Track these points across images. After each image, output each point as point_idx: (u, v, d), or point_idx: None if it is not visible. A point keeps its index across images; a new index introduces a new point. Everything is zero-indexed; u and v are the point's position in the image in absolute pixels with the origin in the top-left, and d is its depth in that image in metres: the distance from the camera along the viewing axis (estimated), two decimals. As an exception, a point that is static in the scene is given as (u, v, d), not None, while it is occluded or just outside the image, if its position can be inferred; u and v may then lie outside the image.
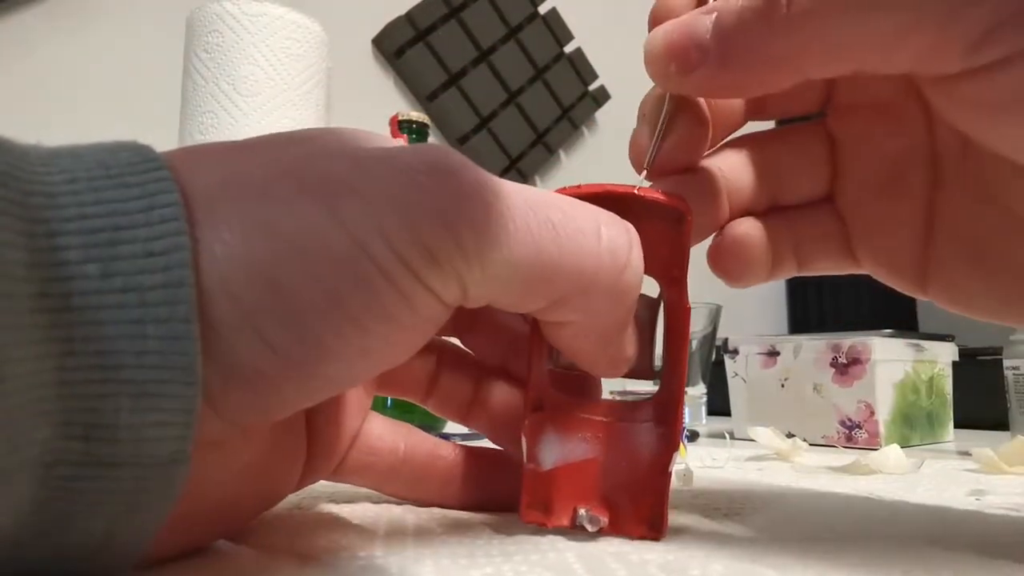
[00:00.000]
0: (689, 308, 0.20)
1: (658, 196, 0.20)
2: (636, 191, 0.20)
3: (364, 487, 0.24)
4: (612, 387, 0.54)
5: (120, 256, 0.12)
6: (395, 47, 0.87)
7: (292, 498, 0.25)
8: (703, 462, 0.38)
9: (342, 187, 0.14)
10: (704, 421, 0.70)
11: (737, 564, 0.17)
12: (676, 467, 0.20)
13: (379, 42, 0.87)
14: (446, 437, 0.50)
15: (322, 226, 0.14)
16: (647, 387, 0.25)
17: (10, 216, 0.11)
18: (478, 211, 0.15)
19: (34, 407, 0.11)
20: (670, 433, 0.20)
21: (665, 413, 0.20)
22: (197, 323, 0.13)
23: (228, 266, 0.13)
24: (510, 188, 0.16)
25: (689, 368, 0.70)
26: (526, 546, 0.18)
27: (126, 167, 0.13)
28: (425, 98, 0.90)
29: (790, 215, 0.23)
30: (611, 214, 0.18)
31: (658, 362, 0.21)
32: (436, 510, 0.23)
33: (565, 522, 0.20)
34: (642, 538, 0.19)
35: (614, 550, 0.18)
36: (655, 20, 0.20)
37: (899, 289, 0.22)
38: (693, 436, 0.55)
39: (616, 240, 0.17)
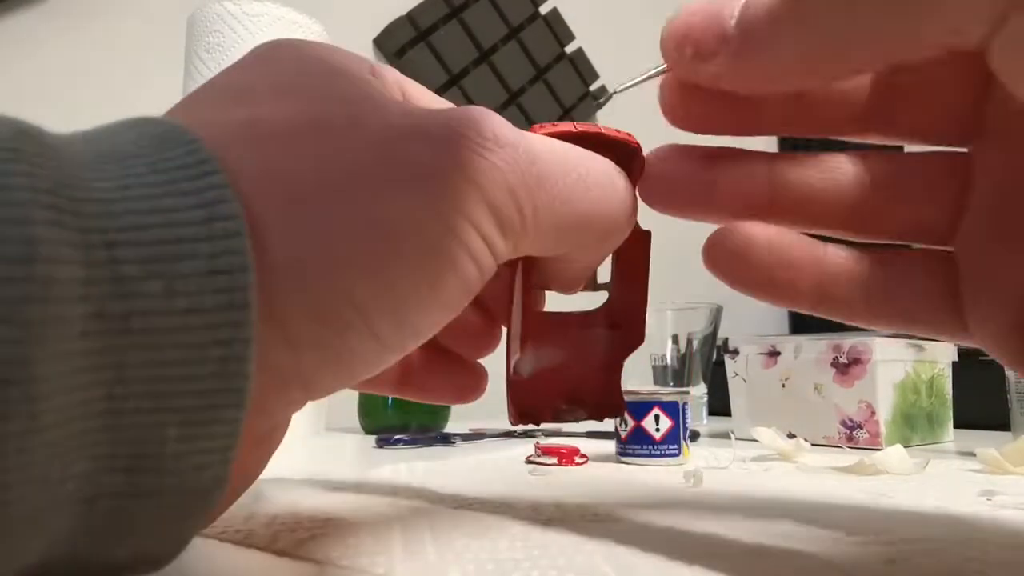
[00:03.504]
0: (649, 233, 0.23)
1: (619, 134, 0.21)
2: (602, 130, 0.21)
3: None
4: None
5: (182, 273, 0.11)
6: (396, 47, 0.87)
7: (298, 499, 0.25)
8: (707, 463, 0.38)
9: (429, 172, 0.15)
10: (705, 421, 0.70)
11: (766, 566, 0.17)
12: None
13: (380, 42, 0.87)
14: (446, 437, 0.50)
15: (423, 216, 0.14)
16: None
17: (63, 228, 0.10)
18: (534, 183, 0.16)
19: (76, 440, 0.11)
20: (627, 335, 0.24)
21: (618, 319, 0.24)
22: (255, 344, 0.12)
23: (336, 267, 0.13)
24: (547, 150, 0.17)
25: (690, 368, 0.71)
26: (551, 549, 0.18)
27: (179, 170, 0.12)
28: (426, 98, 0.90)
29: (883, 254, 0.18)
30: (610, 162, 0.19)
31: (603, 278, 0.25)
32: (448, 512, 0.23)
33: (549, 419, 0.23)
34: (607, 418, 0.24)
35: (641, 551, 0.18)
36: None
37: (1007, 364, 0.17)
38: (694, 436, 0.55)
39: (625, 187, 0.19)
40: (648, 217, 0.22)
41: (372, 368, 0.15)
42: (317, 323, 0.14)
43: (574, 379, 0.24)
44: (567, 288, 0.23)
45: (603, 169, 0.18)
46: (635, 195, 0.20)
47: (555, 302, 0.24)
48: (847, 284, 0.18)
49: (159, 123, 0.13)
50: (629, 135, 0.21)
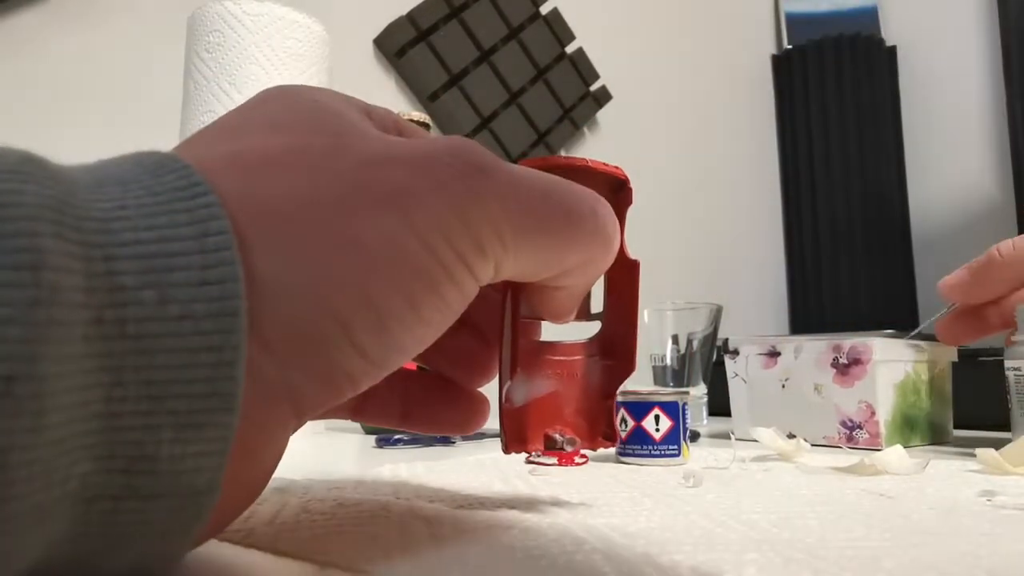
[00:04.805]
0: (638, 262, 0.24)
1: (606, 167, 0.23)
2: (588, 162, 0.22)
3: (337, 419, 0.24)
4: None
5: (175, 283, 0.12)
6: (396, 47, 0.87)
7: (299, 499, 0.25)
8: (707, 463, 0.38)
9: (406, 195, 0.15)
10: (705, 422, 0.70)
11: (770, 566, 0.17)
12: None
13: (380, 42, 0.87)
14: (446, 437, 0.50)
15: (400, 235, 0.15)
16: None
17: (67, 241, 0.11)
18: (514, 206, 0.17)
19: (77, 440, 0.11)
20: (618, 365, 0.25)
21: (610, 349, 0.25)
22: (245, 350, 0.13)
23: (317, 283, 0.14)
24: (528, 178, 0.18)
25: (690, 368, 0.71)
26: (552, 550, 0.18)
27: (173, 192, 0.13)
28: (426, 98, 0.90)
29: None
30: (593, 191, 0.20)
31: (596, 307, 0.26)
32: (447, 511, 0.23)
33: (540, 447, 0.24)
34: (601, 448, 0.24)
35: (642, 551, 0.18)
36: None
37: None
38: (694, 436, 0.55)
39: (607, 215, 0.20)
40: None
41: (358, 383, 0.16)
42: (300, 336, 0.14)
43: (567, 408, 0.24)
44: (558, 317, 0.23)
45: (583, 197, 0.19)
46: (618, 224, 0.20)
47: (553, 333, 0.24)
48: None
49: (154, 154, 0.14)
50: (616, 168, 0.23)
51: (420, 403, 0.24)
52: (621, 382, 0.24)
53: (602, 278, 0.25)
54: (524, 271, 0.18)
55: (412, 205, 0.15)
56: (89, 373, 0.11)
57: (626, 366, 0.25)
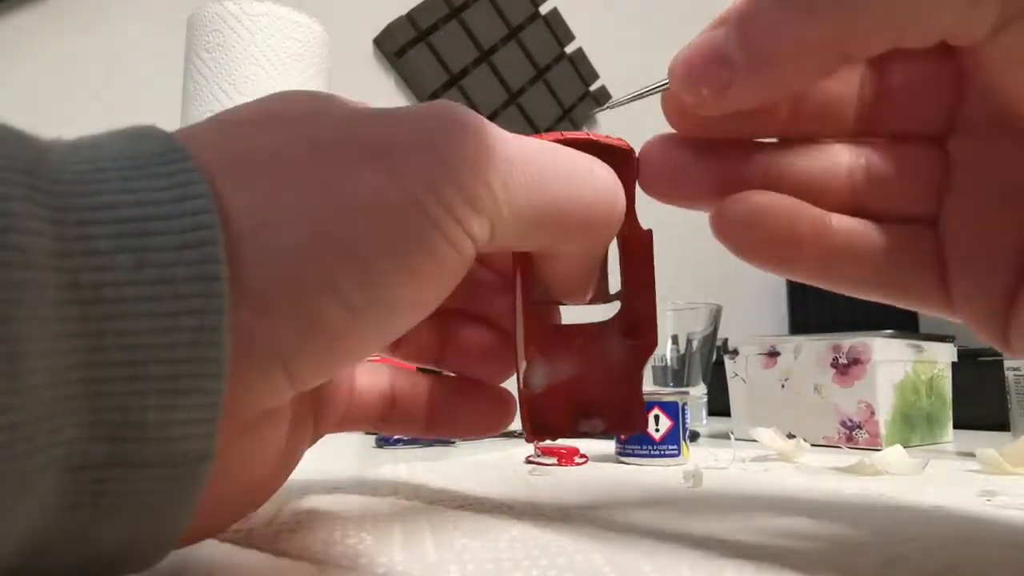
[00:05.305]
0: (650, 232, 0.23)
1: (609, 139, 0.22)
2: (591, 136, 0.22)
3: (360, 431, 0.24)
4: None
5: (152, 247, 0.12)
6: (396, 47, 0.87)
7: (299, 499, 0.25)
8: (707, 463, 0.38)
9: (390, 148, 0.15)
10: (704, 421, 0.70)
11: (769, 566, 0.17)
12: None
13: (380, 42, 0.87)
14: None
15: (382, 187, 0.15)
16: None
17: (36, 204, 0.11)
18: (503, 161, 0.16)
19: (60, 406, 0.11)
20: (641, 345, 0.23)
21: (632, 328, 0.24)
22: (228, 315, 0.13)
23: (299, 232, 0.14)
24: (520, 139, 0.17)
25: (689, 368, 0.71)
26: (551, 549, 0.18)
27: (152, 157, 0.13)
28: (427, 98, 0.90)
29: (883, 225, 0.19)
30: (593, 156, 0.19)
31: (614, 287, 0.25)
32: (448, 512, 0.23)
33: (566, 434, 0.23)
34: (628, 433, 0.23)
35: (641, 551, 0.18)
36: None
37: (986, 339, 0.19)
38: (694, 437, 0.55)
39: (606, 178, 0.19)
40: (647, 221, 0.22)
41: (351, 344, 0.15)
42: (286, 290, 0.14)
43: (590, 391, 0.23)
44: (571, 295, 0.22)
45: (575, 157, 0.18)
46: (622, 191, 0.19)
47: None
48: (851, 253, 0.19)
49: (135, 126, 0.15)
50: (620, 140, 0.22)
51: (445, 409, 0.24)
52: (645, 360, 0.23)
53: (616, 256, 0.24)
54: (525, 232, 0.18)
55: (395, 158, 0.15)
56: (67, 338, 0.11)
57: (647, 342, 0.23)
